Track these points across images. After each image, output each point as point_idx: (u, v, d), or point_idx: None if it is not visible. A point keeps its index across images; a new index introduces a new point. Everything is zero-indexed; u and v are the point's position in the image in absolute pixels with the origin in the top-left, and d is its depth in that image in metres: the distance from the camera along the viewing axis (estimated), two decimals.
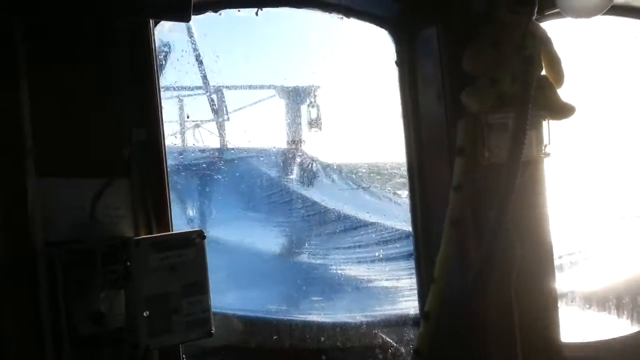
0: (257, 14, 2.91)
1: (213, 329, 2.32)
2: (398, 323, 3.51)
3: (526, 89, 2.61)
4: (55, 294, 2.14)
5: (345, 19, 3.10)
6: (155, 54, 2.45)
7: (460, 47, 2.83)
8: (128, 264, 2.21)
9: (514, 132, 2.67)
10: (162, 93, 2.46)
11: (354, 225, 9.70)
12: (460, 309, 2.96)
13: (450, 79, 2.92)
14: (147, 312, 2.19)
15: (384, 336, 3.37)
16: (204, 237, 2.31)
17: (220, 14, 2.86)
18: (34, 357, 2.12)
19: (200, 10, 2.71)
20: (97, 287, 2.18)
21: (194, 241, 2.30)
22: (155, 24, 2.48)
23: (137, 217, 2.33)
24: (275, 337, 3.15)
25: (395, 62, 3.16)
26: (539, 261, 3.00)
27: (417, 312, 3.27)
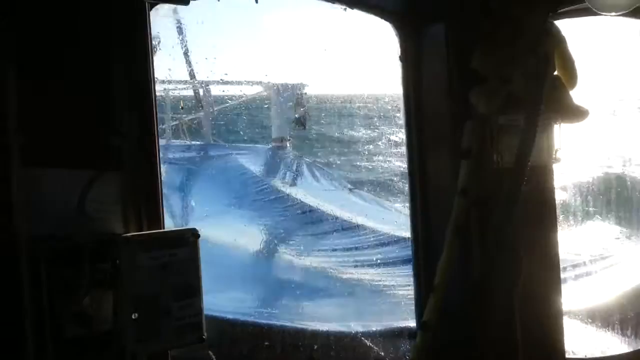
0: (257, 0, 2.77)
1: (205, 334, 2.17)
2: (394, 333, 3.39)
3: (539, 88, 2.49)
4: (38, 292, 1.98)
5: (348, 10, 2.96)
6: (151, 39, 2.29)
7: (470, 45, 2.71)
8: (117, 262, 2.05)
9: (524, 133, 2.57)
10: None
11: (342, 227, 9.57)
12: (460, 320, 2.84)
13: (458, 77, 2.80)
14: (136, 315, 2.03)
15: (377, 348, 3.25)
16: (197, 236, 2.16)
17: (218, 0, 2.71)
18: (15, 358, 1.96)
19: None
20: (83, 287, 2.02)
21: (188, 240, 2.15)
22: (151, 7, 2.32)
23: (127, 213, 2.17)
24: (266, 344, 3.00)
25: (399, 58, 3.03)
26: (545, 271, 2.90)
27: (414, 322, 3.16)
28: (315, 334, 3.11)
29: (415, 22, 2.97)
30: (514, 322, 2.84)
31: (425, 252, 3.07)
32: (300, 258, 8.40)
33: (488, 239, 2.77)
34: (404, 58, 3.01)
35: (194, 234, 2.16)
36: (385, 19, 3.02)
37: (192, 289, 2.15)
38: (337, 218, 9.99)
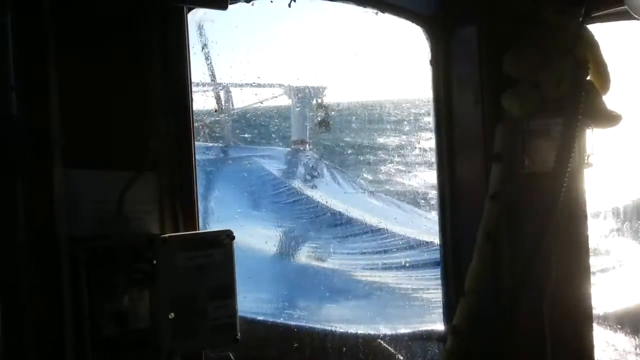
0: (290, 5, 2.79)
1: (239, 335, 2.19)
2: (422, 336, 3.39)
3: (577, 93, 2.49)
4: (77, 291, 2.01)
5: (380, 14, 2.97)
6: (188, 42, 2.32)
7: (502, 48, 2.71)
8: (154, 262, 2.08)
9: (563, 139, 2.56)
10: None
11: (365, 230, 9.56)
12: (490, 325, 2.83)
13: (490, 81, 2.80)
14: (172, 314, 2.06)
15: (404, 351, 3.25)
16: (233, 238, 2.18)
17: (252, 4, 2.73)
18: (53, 357, 1.99)
19: None
20: (121, 286, 2.05)
21: (223, 242, 2.17)
22: (188, 10, 2.35)
23: (163, 214, 2.20)
24: (296, 345, 3.02)
25: (430, 62, 3.03)
26: (575, 278, 2.87)
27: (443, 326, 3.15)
28: (344, 336, 3.13)
29: (446, 26, 2.97)
30: (544, 328, 2.83)
31: (454, 256, 3.07)
32: (323, 260, 8.41)
33: (519, 244, 2.76)
34: (435, 61, 3.01)
35: (229, 235, 2.18)
36: (416, 23, 3.03)
37: (227, 290, 2.17)
38: (359, 221, 9.99)
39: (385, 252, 8.68)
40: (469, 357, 2.81)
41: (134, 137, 2.17)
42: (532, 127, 2.69)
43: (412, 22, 3.03)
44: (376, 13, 2.96)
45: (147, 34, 2.19)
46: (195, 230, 2.27)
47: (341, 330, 3.24)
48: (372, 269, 7.96)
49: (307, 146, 15.71)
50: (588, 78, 2.72)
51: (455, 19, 2.93)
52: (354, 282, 7.32)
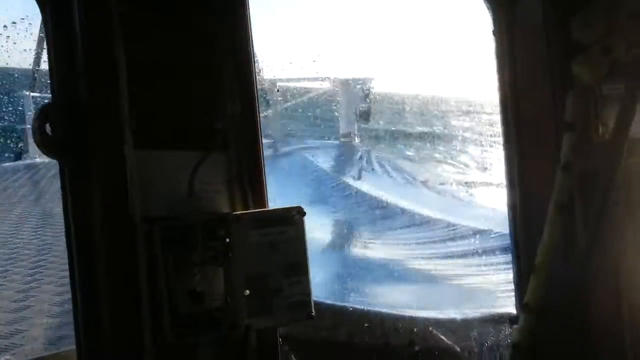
0: None
1: (314, 311, 2.18)
2: (493, 319, 3.32)
3: None
4: (153, 271, 2.03)
5: None
6: (250, 24, 2.32)
7: (568, 14, 2.63)
8: (227, 240, 2.08)
9: (623, 102, 2.47)
10: None
11: (416, 221, 9.48)
12: (563, 300, 2.75)
13: (556, 48, 2.71)
14: (248, 291, 2.06)
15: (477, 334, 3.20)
16: (304, 214, 2.16)
17: None
18: (132, 336, 2.01)
19: None
20: (196, 265, 2.05)
21: (294, 218, 2.16)
22: None
23: (233, 193, 2.20)
24: (366, 326, 2.99)
25: (493, 32, 2.96)
26: None
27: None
28: (413, 319, 3.10)
29: None
30: (621, 304, 2.73)
31: (524, 232, 2.99)
32: (377, 250, 8.37)
33: (591, 216, 2.67)
34: (498, 31, 2.94)
35: (299, 211, 2.17)
36: None
37: (300, 267, 2.16)
38: (410, 211, 9.92)
39: (444, 241, 8.60)
40: (541, 335, 2.74)
41: (202, 117, 2.18)
42: (605, 93, 2.60)
43: None
44: None
45: (213, 16, 2.19)
46: (265, 208, 2.26)
47: (409, 314, 3.21)
48: (429, 257, 7.90)
49: (356, 139, 15.69)
50: None
51: None
52: (411, 270, 7.27)
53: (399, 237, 9.20)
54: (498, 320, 3.32)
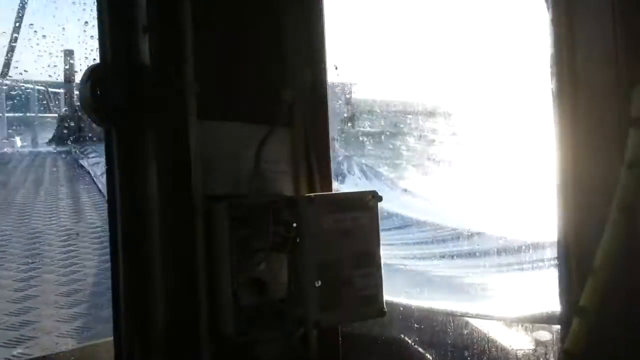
0: None
1: (385, 307, 1.97)
2: (536, 320, 3.17)
3: None
4: (213, 255, 1.80)
5: None
6: None
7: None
8: (294, 225, 1.86)
9: None
10: None
11: (403, 224, 9.35)
12: (624, 308, 2.60)
13: (624, 37, 2.56)
14: (319, 282, 1.84)
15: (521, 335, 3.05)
16: (380, 199, 1.96)
17: None
18: (186, 323, 1.78)
19: None
20: (260, 251, 1.82)
21: (369, 203, 1.95)
22: None
23: (298, 173, 1.99)
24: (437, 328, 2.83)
25: (551, 20, 2.80)
26: None
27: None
28: (464, 315, 2.95)
29: None
30: None
31: (575, 232, 2.83)
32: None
33: None
34: (556, 20, 2.78)
35: (374, 196, 1.96)
36: None
37: (372, 257, 1.95)
38: (398, 215, 9.80)
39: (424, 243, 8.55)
40: (596, 340, 2.59)
41: (268, 89, 1.96)
42: None
43: None
44: None
45: None
46: (331, 191, 2.05)
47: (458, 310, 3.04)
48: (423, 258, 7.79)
49: (336, 144, 15.51)
50: None
51: None
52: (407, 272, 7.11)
53: (389, 238, 9.11)
54: (544, 320, 3.17)
